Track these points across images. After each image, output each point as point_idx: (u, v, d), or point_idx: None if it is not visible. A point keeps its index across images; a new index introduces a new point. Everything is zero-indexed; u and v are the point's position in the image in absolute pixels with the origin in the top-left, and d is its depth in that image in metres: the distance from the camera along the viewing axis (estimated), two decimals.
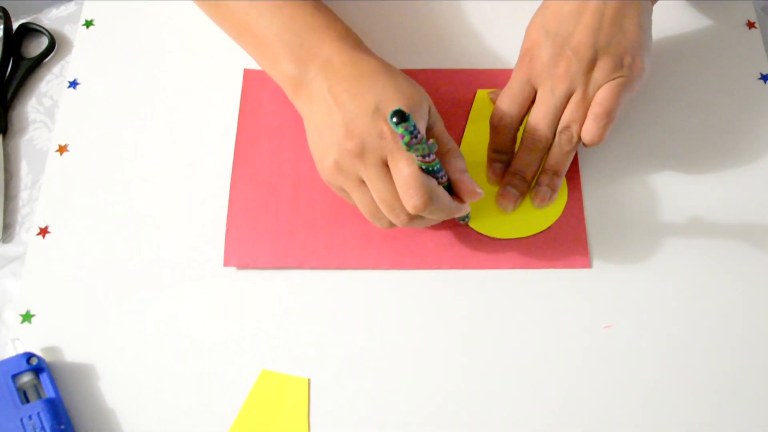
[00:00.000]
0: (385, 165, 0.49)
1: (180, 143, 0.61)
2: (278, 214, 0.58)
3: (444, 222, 0.56)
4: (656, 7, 0.57)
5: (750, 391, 0.52)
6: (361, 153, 0.48)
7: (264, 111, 0.62)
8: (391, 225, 0.52)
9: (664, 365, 0.53)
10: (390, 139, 0.48)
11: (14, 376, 0.52)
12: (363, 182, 0.50)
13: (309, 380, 0.53)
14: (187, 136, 0.62)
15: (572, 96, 0.54)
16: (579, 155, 0.59)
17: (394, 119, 0.42)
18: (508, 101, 0.56)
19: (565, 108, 0.54)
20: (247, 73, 0.63)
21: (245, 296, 0.56)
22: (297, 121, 0.60)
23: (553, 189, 0.56)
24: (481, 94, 0.61)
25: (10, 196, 0.61)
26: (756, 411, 0.51)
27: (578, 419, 0.51)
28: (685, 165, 0.59)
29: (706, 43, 0.64)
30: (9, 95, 0.64)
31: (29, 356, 0.52)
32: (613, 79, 0.53)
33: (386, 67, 0.52)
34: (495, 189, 0.57)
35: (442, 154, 0.51)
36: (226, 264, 0.56)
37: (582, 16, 0.53)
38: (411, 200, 0.48)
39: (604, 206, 0.58)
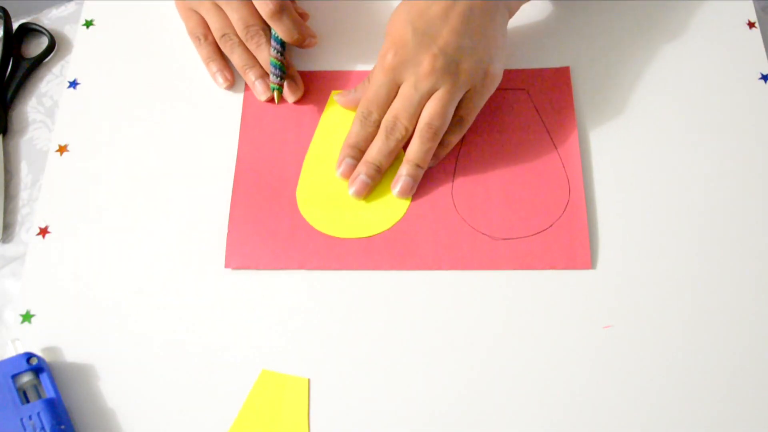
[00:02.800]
0: None
1: (180, 143, 0.61)
2: (279, 215, 0.58)
3: (442, 222, 0.56)
4: (657, 6, 0.57)
5: (752, 391, 0.52)
6: None
7: (266, 113, 0.62)
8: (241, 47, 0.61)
9: (665, 366, 0.53)
10: None
11: (14, 376, 0.52)
12: (217, 5, 0.60)
13: (309, 380, 0.53)
14: (187, 136, 0.62)
15: (435, 93, 0.55)
16: (581, 155, 0.59)
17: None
18: (374, 96, 0.57)
19: (425, 104, 0.56)
20: None
21: (245, 296, 0.56)
22: (299, 123, 0.60)
23: (415, 180, 0.57)
24: (334, 95, 0.62)
25: (10, 196, 0.61)
26: (757, 411, 0.51)
27: (579, 420, 0.51)
28: (686, 165, 0.59)
29: (706, 43, 0.64)
30: (9, 95, 0.64)
31: (29, 356, 0.52)
32: (469, 89, 0.56)
33: None
34: (337, 188, 0.58)
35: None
36: (227, 265, 0.56)
37: (449, 18, 0.55)
38: (266, 5, 0.57)
39: (605, 206, 0.58)
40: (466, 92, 0.56)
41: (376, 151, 0.57)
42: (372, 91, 0.57)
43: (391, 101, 0.57)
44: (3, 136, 0.63)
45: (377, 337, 0.54)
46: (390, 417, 0.52)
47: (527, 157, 0.59)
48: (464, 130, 0.58)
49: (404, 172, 0.57)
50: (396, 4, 0.58)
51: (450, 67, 0.55)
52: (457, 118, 0.57)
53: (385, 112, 0.57)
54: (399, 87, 0.56)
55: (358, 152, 0.58)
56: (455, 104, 0.56)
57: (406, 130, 0.56)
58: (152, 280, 0.56)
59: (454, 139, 0.58)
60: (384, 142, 0.56)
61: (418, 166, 0.57)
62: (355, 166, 0.58)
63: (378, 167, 0.57)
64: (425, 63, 0.54)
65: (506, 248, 0.56)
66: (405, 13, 0.56)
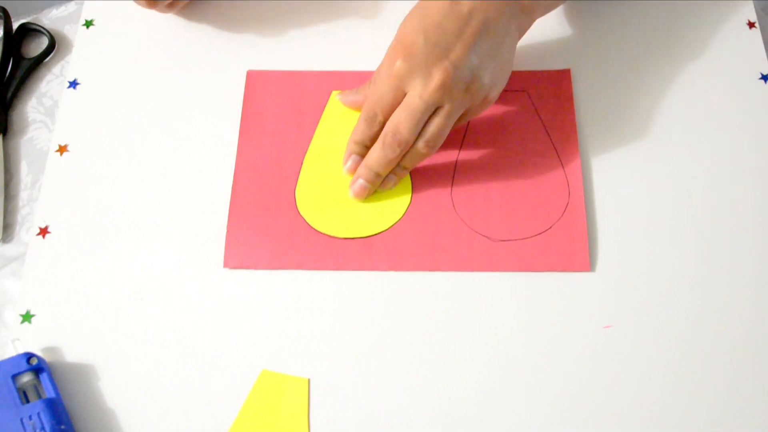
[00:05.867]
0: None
1: (180, 143, 0.61)
2: (279, 215, 0.58)
3: (441, 223, 0.57)
4: (657, 6, 0.57)
5: (752, 391, 0.52)
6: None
7: (266, 113, 0.62)
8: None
9: (664, 368, 0.53)
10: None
11: (14, 376, 0.52)
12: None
13: (309, 380, 0.53)
14: (187, 136, 0.62)
15: (439, 109, 0.54)
16: (581, 158, 0.59)
17: None
18: (379, 100, 0.56)
19: (428, 118, 0.55)
20: (251, 75, 0.63)
21: (245, 296, 0.56)
22: (299, 123, 0.61)
23: (399, 178, 0.58)
24: (335, 95, 0.62)
25: (10, 196, 0.61)
26: (758, 411, 0.51)
27: (579, 420, 0.51)
28: (686, 166, 0.59)
29: (706, 43, 0.64)
30: (9, 95, 0.64)
31: (29, 356, 0.52)
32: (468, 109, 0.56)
33: None
34: (336, 187, 0.58)
35: None
36: (226, 265, 0.56)
37: (463, 34, 0.53)
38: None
39: (604, 209, 0.58)
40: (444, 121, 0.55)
41: (374, 159, 0.56)
42: (377, 94, 0.56)
43: (396, 106, 0.55)
44: (3, 136, 0.63)
45: (377, 338, 0.54)
46: (390, 417, 0.52)
47: (527, 158, 0.59)
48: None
49: (394, 172, 0.57)
50: (391, 4, 0.58)
51: (459, 85, 0.53)
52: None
53: (389, 116, 0.56)
54: (404, 94, 0.55)
55: (364, 149, 0.58)
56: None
57: (407, 142, 0.55)
58: (152, 280, 0.56)
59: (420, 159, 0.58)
60: (382, 151, 0.56)
61: (405, 169, 0.57)
62: (359, 162, 0.58)
63: (377, 174, 0.57)
64: (436, 77, 0.53)
65: (505, 250, 0.56)
66: (418, 21, 0.54)
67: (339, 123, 0.61)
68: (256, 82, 0.63)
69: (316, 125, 0.61)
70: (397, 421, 0.52)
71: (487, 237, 0.56)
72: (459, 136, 0.60)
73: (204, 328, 0.55)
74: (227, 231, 0.57)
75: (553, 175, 0.58)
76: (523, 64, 0.62)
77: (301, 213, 0.58)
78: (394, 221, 0.57)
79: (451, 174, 0.59)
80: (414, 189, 0.58)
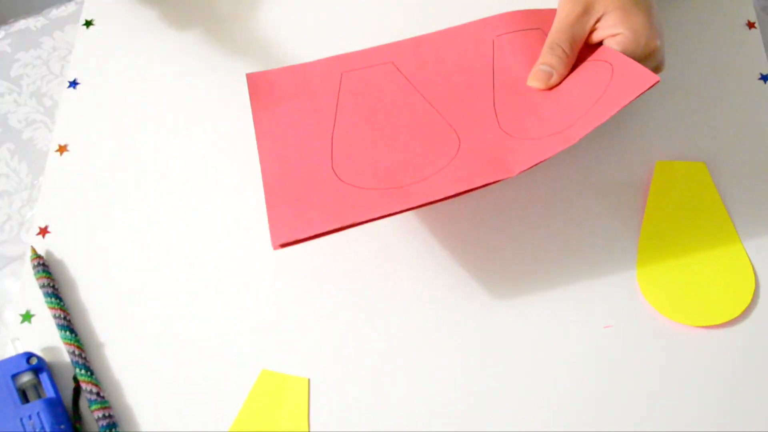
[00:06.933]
0: None
1: (180, 143, 0.61)
2: (321, 181, 0.54)
3: (498, 142, 0.54)
4: (657, 6, 0.57)
5: (752, 390, 0.52)
6: None
7: (279, 111, 0.59)
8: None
9: (665, 367, 0.53)
10: None
11: (14, 376, 0.52)
12: None
13: (309, 380, 0.53)
14: (187, 136, 0.62)
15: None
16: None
17: None
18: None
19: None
20: (251, 78, 0.60)
21: (245, 296, 0.56)
22: (318, 109, 0.58)
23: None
24: (661, 166, 0.59)
25: (9, 196, 0.61)
26: (757, 410, 0.51)
27: (579, 421, 0.51)
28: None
29: (706, 43, 0.64)
30: None
31: (29, 356, 0.52)
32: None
33: None
34: (675, 277, 0.55)
35: None
36: (274, 244, 0.51)
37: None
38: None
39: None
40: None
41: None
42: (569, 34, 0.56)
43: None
44: None
45: (377, 337, 0.54)
46: (390, 417, 0.52)
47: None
48: None
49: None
50: None
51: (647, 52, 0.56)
52: None
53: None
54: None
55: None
56: None
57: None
58: (151, 281, 0.56)
59: None
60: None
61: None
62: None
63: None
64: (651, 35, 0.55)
65: (574, 128, 0.52)
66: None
67: (670, 198, 0.57)
68: (259, 83, 0.61)
69: (335, 109, 0.58)
70: (398, 421, 0.52)
71: (554, 134, 0.53)
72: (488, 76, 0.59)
73: (204, 328, 0.55)
74: (267, 206, 0.53)
75: (589, 65, 0.56)
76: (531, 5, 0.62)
77: (645, 297, 0.55)
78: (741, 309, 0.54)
79: (494, 113, 0.57)
80: (459, 133, 0.56)
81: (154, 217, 0.59)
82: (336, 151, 0.56)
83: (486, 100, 0.58)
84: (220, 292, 0.56)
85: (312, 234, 0.50)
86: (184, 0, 0.67)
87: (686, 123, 0.61)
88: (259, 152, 0.56)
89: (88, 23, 0.67)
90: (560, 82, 0.56)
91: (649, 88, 0.50)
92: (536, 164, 0.51)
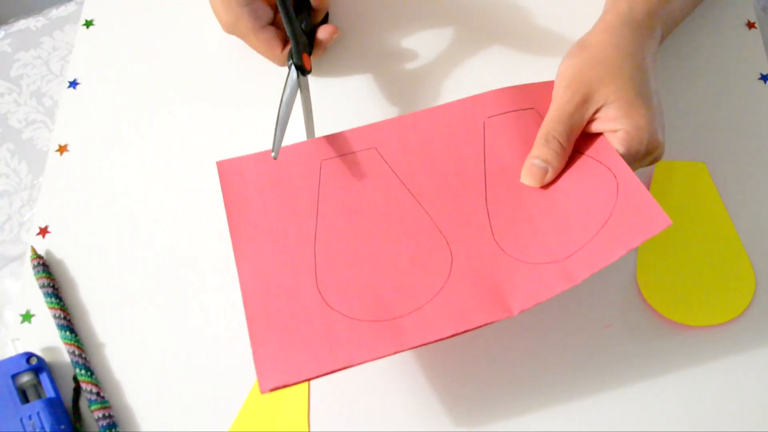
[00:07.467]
0: None
1: (180, 143, 0.61)
2: (308, 315, 0.50)
3: (497, 269, 0.50)
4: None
5: (752, 390, 0.52)
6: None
7: (253, 206, 0.53)
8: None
9: (665, 367, 0.53)
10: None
11: (14, 376, 0.52)
12: None
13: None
14: (186, 136, 0.62)
15: None
16: None
17: None
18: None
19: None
20: (222, 166, 0.55)
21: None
22: (296, 207, 0.54)
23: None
24: (661, 166, 0.58)
25: (9, 195, 0.61)
26: (757, 410, 0.51)
27: (579, 420, 0.51)
28: None
29: (706, 43, 0.64)
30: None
31: (29, 356, 0.52)
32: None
33: None
34: (675, 277, 0.55)
35: None
36: (263, 389, 0.48)
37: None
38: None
39: None
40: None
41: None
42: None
43: None
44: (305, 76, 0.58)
45: None
46: (390, 417, 0.52)
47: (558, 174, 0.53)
48: None
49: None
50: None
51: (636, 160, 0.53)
52: None
53: None
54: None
55: None
56: None
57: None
58: (152, 282, 0.56)
59: None
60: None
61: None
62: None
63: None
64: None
65: (576, 261, 0.48)
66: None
67: None
68: (231, 173, 0.55)
69: (315, 208, 0.54)
70: (398, 421, 0.52)
71: (552, 262, 0.49)
72: (480, 179, 0.54)
73: (204, 328, 0.55)
74: (253, 349, 0.49)
75: (589, 166, 0.52)
76: (527, 77, 0.59)
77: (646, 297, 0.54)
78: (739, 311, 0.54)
79: (486, 216, 0.53)
80: (451, 245, 0.52)
81: (155, 217, 0.59)
82: (320, 266, 0.52)
83: (478, 198, 0.53)
84: (220, 291, 0.56)
85: (303, 379, 0.48)
86: (184, 0, 0.67)
87: (686, 123, 0.61)
88: (237, 263, 0.52)
89: (88, 23, 0.67)
90: (555, 177, 0.52)
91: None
92: (538, 303, 0.48)
